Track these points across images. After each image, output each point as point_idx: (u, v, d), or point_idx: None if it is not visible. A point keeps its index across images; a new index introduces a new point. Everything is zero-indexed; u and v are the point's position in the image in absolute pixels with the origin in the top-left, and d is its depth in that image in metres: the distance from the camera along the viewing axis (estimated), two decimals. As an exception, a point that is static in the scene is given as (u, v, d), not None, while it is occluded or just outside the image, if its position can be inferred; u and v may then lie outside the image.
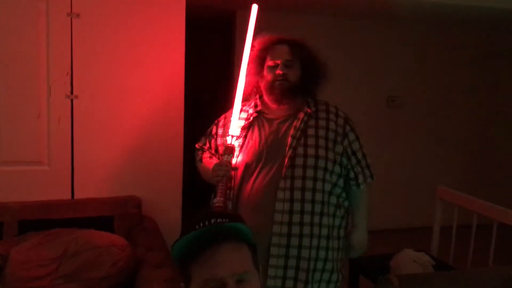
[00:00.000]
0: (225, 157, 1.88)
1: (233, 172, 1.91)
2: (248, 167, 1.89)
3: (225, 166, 1.85)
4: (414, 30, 4.65)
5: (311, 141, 1.86)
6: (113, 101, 2.67)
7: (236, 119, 1.96)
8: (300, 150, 1.84)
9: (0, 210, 2.45)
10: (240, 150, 1.93)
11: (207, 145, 2.12)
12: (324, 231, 1.84)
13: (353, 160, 1.94)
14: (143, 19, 2.66)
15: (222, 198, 1.80)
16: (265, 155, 1.87)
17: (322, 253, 1.84)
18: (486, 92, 5.00)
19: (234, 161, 1.92)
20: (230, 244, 1.08)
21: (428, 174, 4.81)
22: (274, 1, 3.75)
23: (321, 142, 1.86)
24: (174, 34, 2.73)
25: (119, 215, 2.60)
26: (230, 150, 1.89)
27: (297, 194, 1.81)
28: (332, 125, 1.91)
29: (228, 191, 1.89)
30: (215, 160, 2.00)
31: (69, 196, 2.66)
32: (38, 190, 2.59)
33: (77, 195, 2.66)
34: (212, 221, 1.08)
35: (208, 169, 1.96)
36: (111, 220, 2.59)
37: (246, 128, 1.96)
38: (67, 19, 2.53)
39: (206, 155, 2.10)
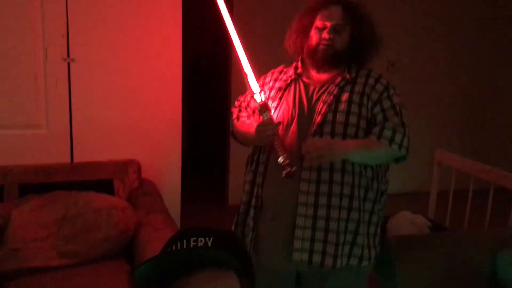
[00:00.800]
0: (265, 116, 1.73)
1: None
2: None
3: (270, 124, 1.71)
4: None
5: (342, 107, 1.72)
6: (111, 64, 2.64)
7: (253, 78, 1.81)
8: (330, 117, 1.71)
9: (0, 174, 2.46)
10: (274, 112, 1.80)
11: (245, 101, 1.97)
12: (355, 204, 1.72)
13: (380, 119, 1.72)
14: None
15: (286, 153, 1.68)
16: (296, 120, 1.76)
17: (352, 226, 1.72)
18: (486, 54, 4.96)
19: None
20: (208, 273, 0.84)
21: (428, 138, 4.81)
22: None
23: (354, 108, 1.71)
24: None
25: (119, 179, 2.62)
26: (265, 106, 1.74)
27: (325, 163, 1.68)
28: (368, 90, 1.74)
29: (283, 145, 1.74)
30: (253, 122, 1.86)
31: (68, 160, 2.67)
32: (37, 154, 2.59)
33: (76, 159, 2.67)
34: (185, 244, 0.86)
35: (247, 132, 1.84)
36: (111, 183, 2.61)
37: (283, 90, 1.83)
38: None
39: (243, 114, 1.96)
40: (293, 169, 1.67)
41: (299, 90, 1.81)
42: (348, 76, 1.77)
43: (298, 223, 1.70)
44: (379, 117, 1.72)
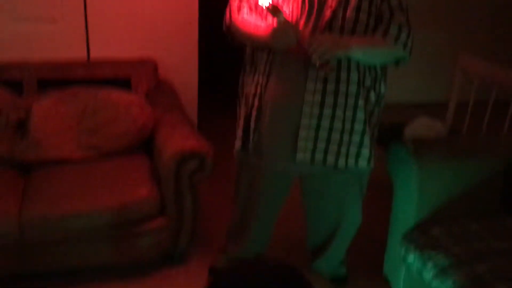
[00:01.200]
0: (279, 18, 1.64)
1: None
2: None
3: (289, 28, 1.63)
4: None
5: (352, 3, 1.66)
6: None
7: None
8: (339, 12, 1.66)
9: (19, 68, 2.46)
10: (281, 6, 1.70)
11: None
12: (361, 103, 1.71)
13: (387, 17, 1.68)
14: None
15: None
16: (306, 16, 1.69)
17: (358, 126, 1.73)
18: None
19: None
20: None
21: (452, 45, 4.62)
22: None
23: (364, 5, 1.66)
24: None
25: (136, 77, 2.60)
26: (277, 9, 1.64)
27: (332, 60, 1.65)
28: None
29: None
30: (258, 21, 1.77)
31: (85, 55, 2.64)
32: (53, 49, 2.57)
33: (93, 54, 2.64)
34: None
35: (254, 34, 1.75)
36: (128, 81, 2.60)
37: None
38: None
39: (244, 5, 1.82)
40: (332, 64, 1.64)
41: None
42: None
43: (303, 123, 1.70)
44: (386, 15, 1.68)
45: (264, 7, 1.67)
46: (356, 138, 1.74)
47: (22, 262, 1.97)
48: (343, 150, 1.74)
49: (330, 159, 1.73)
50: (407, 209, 1.97)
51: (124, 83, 2.57)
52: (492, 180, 2.01)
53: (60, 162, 2.16)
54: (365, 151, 1.77)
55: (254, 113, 1.80)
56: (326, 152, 1.73)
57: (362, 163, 1.78)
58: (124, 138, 2.22)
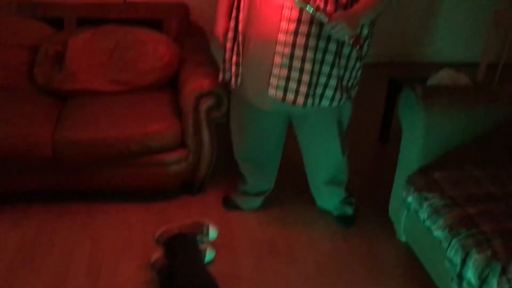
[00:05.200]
0: (319, 16, 1.66)
1: None
2: None
3: (337, 23, 1.63)
4: None
5: None
6: None
7: None
8: None
9: (60, 7, 2.67)
10: None
11: None
12: (332, 47, 1.75)
13: None
14: None
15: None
16: None
17: (326, 68, 1.78)
18: None
19: None
20: None
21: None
22: None
23: None
24: None
25: (167, 19, 2.74)
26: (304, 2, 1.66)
27: (309, 5, 1.66)
28: None
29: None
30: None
31: (121, -2, 2.79)
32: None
33: (129, -3, 2.79)
34: None
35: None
36: (161, 23, 2.74)
37: None
38: None
39: None
40: (359, 37, 1.71)
41: None
42: None
43: (275, 61, 1.76)
44: None
45: (293, 2, 1.67)
46: (322, 79, 1.79)
47: (54, 180, 2.20)
48: (311, 91, 1.80)
49: (300, 99, 1.80)
50: (413, 153, 2.03)
51: (156, 24, 2.71)
52: (500, 130, 2.02)
53: (92, 93, 2.35)
54: (329, 92, 1.83)
55: (235, 47, 1.88)
56: (297, 92, 1.79)
57: (325, 102, 1.84)
58: (150, 74, 2.38)
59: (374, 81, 3.44)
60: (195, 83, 2.19)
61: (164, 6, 2.77)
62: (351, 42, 1.72)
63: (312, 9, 1.65)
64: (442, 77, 2.61)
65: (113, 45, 2.39)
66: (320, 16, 1.66)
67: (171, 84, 2.49)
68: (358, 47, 1.74)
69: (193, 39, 2.69)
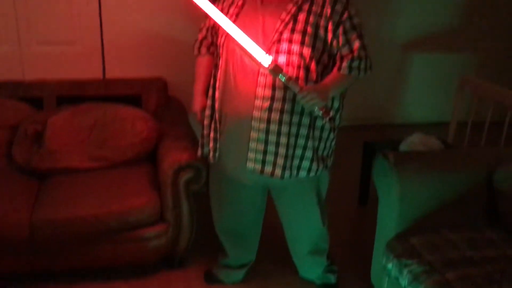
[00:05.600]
0: (291, 85, 1.73)
1: (222, 53, 1.86)
2: (234, 50, 1.81)
3: (308, 93, 1.72)
4: None
5: (299, 27, 1.74)
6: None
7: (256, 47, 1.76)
8: (286, 36, 1.74)
9: (40, 87, 2.72)
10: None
11: (205, 33, 2.07)
12: (306, 120, 1.82)
13: (343, 42, 1.78)
14: None
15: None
16: (253, 37, 1.77)
17: (301, 141, 1.84)
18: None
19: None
20: None
21: (458, 67, 4.67)
22: None
23: (311, 28, 1.74)
24: None
25: (146, 94, 2.81)
26: (278, 68, 1.73)
27: (280, 81, 1.74)
28: (327, 12, 1.75)
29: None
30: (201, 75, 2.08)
31: (100, 75, 2.88)
32: (72, 69, 2.82)
33: (108, 75, 2.88)
34: None
35: (195, 81, 2.08)
36: (139, 98, 2.81)
37: (240, 7, 1.85)
38: None
39: (204, 48, 2.08)
40: (331, 114, 1.80)
41: (256, 6, 1.82)
42: None
43: (252, 136, 1.82)
44: (343, 39, 1.78)
45: (267, 70, 1.74)
46: (298, 152, 1.85)
47: (31, 261, 2.16)
48: (288, 163, 1.85)
49: (277, 171, 1.85)
50: (390, 219, 2.06)
51: (135, 100, 2.78)
52: (475, 193, 2.08)
53: (71, 171, 2.37)
54: (306, 163, 1.88)
55: (213, 124, 1.95)
56: (274, 164, 1.84)
57: (302, 173, 1.89)
58: (129, 150, 2.41)
59: (351, 144, 3.52)
60: (174, 157, 2.22)
61: (142, 81, 2.85)
62: (320, 114, 1.79)
63: (284, 78, 1.73)
64: (413, 141, 2.71)
65: (92, 123, 2.44)
66: (292, 85, 1.74)
67: (150, 158, 2.52)
68: (328, 118, 1.81)
69: (172, 113, 2.76)
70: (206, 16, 2.02)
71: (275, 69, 1.72)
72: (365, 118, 4.58)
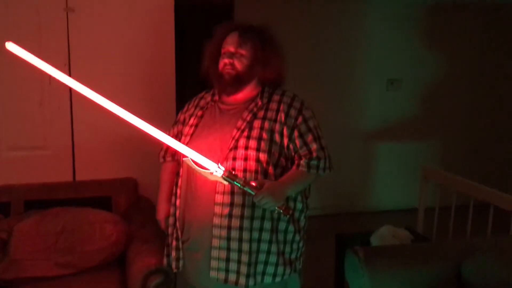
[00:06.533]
0: (240, 184, 1.74)
1: (182, 160, 1.89)
2: None
3: (263, 196, 1.72)
4: (415, 13, 4.69)
5: (255, 133, 1.80)
6: (110, 90, 2.84)
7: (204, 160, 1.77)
8: (242, 142, 1.79)
9: (8, 191, 2.69)
10: (190, 139, 1.90)
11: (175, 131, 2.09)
12: (267, 225, 1.81)
13: (300, 145, 1.84)
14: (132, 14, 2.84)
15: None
16: (211, 145, 1.84)
17: (264, 246, 1.82)
18: (489, 72, 4.97)
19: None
20: None
21: (425, 156, 4.87)
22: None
23: (266, 134, 1.80)
24: (165, 35, 2.90)
25: (116, 195, 2.81)
26: (232, 175, 1.73)
27: (245, 191, 1.74)
28: (281, 117, 1.82)
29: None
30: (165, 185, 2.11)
31: (71, 178, 2.87)
32: (42, 173, 2.81)
33: (79, 177, 2.88)
34: None
35: (159, 191, 2.15)
36: (109, 199, 2.80)
37: (199, 117, 1.94)
38: (63, 13, 2.73)
39: (169, 156, 2.11)
40: (291, 211, 1.80)
41: (215, 116, 1.91)
42: (260, 102, 1.86)
43: (213, 244, 1.81)
44: (300, 142, 1.84)
45: (221, 178, 1.73)
46: (261, 257, 1.83)
47: None
48: (251, 270, 1.81)
49: (241, 280, 1.81)
50: (363, 317, 2.03)
51: (105, 201, 2.77)
52: (445, 286, 2.08)
53: (36, 280, 2.29)
54: (270, 269, 1.85)
55: (175, 232, 1.95)
56: (238, 273, 1.81)
57: (267, 279, 1.85)
58: (98, 255, 2.37)
59: (323, 234, 3.54)
60: (143, 262, 2.19)
61: (112, 182, 2.86)
62: (281, 212, 1.79)
63: (239, 183, 1.73)
64: (383, 233, 2.75)
65: (60, 228, 2.40)
66: (247, 189, 1.74)
67: (119, 261, 2.46)
68: (288, 215, 1.80)
69: (142, 213, 2.74)
70: (173, 123, 2.10)
71: (229, 176, 1.73)
72: (336, 206, 4.64)
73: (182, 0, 2.96)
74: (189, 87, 5.55)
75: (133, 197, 2.86)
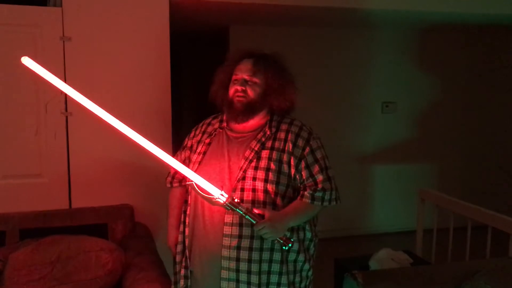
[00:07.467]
0: (242, 212, 1.74)
1: (190, 189, 1.89)
2: None
3: (263, 226, 1.72)
4: (407, 36, 4.76)
5: (263, 163, 1.78)
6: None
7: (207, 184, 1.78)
8: (250, 173, 1.78)
9: (3, 220, 2.66)
10: (199, 166, 1.89)
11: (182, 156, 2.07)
12: (277, 256, 1.80)
13: (306, 176, 1.82)
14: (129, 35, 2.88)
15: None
16: (219, 175, 1.82)
17: (274, 278, 1.80)
18: (483, 94, 5.04)
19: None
20: None
21: (422, 178, 4.88)
22: (252, 17, 3.92)
23: (274, 165, 1.78)
24: (161, 64, 2.93)
25: (112, 222, 2.79)
26: (235, 203, 1.74)
27: (247, 219, 1.74)
28: (289, 147, 1.81)
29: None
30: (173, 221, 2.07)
31: (67, 206, 2.86)
32: (38, 201, 2.80)
33: (74, 205, 2.87)
34: None
35: (168, 216, 2.10)
36: (106, 227, 2.78)
37: (207, 144, 1.92)
38: (60, 42, 2.75)
39: (176, 180, 2.08)
40: (286, 237, 1.78)
41: (223, 143, 1.89)
42: (268, 131, 1.85)
43: (222, 276, 1.80)
44: (306, 173, 1.82)
45: (223, 205, 1.74)
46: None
47: None
48: None
49: None
50: None
51: (101, 228, 2.75)
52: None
53: (30, 311, 2.25)
54: None
55: (184, 261, 1.93)
56: None
57: None
58: (93, 284, 2.32)
59: (322, 258, 3.50)
60: (140, 291, 2.16)
61: (109, 209, 2.83)
62: (281, 243, 1.77)
63: (241, 212, 1.73)
64: (382, 257, 2.73)
65: (55, 257, 2.37)
66: (249, 218, 1.74)
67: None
68: (288, 247, 1.79)
69: (138, 240, 2.72)
70: (179, 149, 2.09)
71: (231, 203, 1.73)
72: (335, 230, 4.62)
73: (178, 28, 3.00)
74: (186, 114, 5.59)
75: (130, 224, 2.84)
